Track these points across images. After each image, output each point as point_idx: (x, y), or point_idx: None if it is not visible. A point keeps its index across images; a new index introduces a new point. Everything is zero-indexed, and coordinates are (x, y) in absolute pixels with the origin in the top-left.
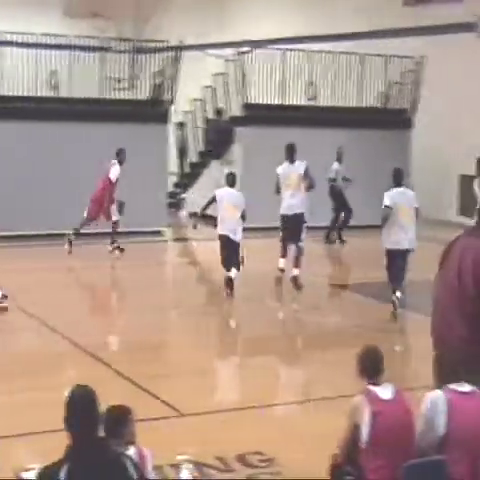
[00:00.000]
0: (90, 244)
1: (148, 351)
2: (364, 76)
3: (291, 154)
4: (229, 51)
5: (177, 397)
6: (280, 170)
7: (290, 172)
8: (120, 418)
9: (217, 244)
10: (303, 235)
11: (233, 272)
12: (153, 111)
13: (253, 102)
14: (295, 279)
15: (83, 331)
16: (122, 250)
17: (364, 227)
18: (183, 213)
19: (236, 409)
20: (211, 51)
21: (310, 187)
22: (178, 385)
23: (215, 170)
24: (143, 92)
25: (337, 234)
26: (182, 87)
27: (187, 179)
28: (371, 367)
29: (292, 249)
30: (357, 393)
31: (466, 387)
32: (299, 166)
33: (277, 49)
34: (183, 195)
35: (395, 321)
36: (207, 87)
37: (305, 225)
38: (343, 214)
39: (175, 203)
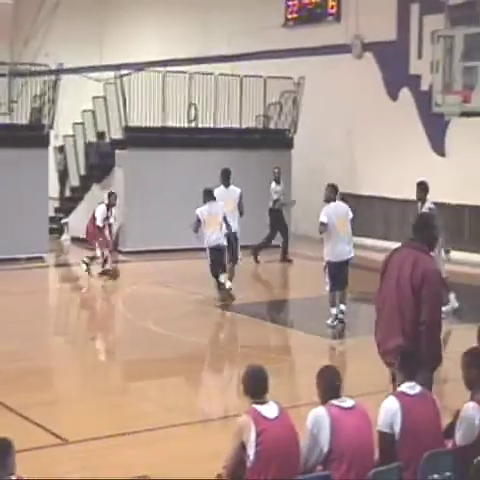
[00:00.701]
0: None
1: (29, 379)
2: (244, 97)
3: (227, 178)
4: (109, 74)
5: (60, 424)
6: (216, 192)
7: (227, 196)
8: (3, 450)
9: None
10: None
11: (222, 277)
12: (32, 135)
13: (134, 125)
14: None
15: None
16: None
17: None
18: (65, 238)
19: (121, 434)
20: (91, 74)
21: (241, 213)
22: (61, 412)
23: (96, 194)
24: (22, 116)
25: (254, 254)
26: (62, 111)
27: (68, 203)
28: (255, 386)
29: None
30: (243, 412)
31: (348, 402)
32: (234, 191)
33: (157, 71)
34: (64, 220)
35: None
36: (87, 111)
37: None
38: (268, 233)
39: (56, 228)
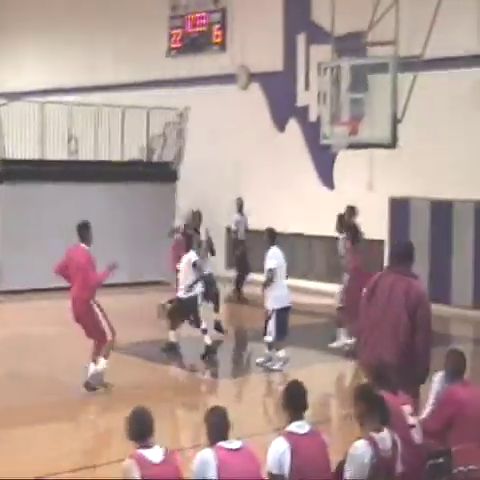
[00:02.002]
0: None
1: None
2: (127, 128)
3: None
4: None
5: None
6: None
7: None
8: None
9: None
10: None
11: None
12: None
13: (10, 157)
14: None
15: None
16: None
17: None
18: None
19: None
20: None
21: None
22: None
23: None
24: None
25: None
26: None
27: None
28: (139, 430)
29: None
30: (127, 457)
31: (235, 443)
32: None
33: (35, 102)
34: None
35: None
36: None
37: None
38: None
39: None
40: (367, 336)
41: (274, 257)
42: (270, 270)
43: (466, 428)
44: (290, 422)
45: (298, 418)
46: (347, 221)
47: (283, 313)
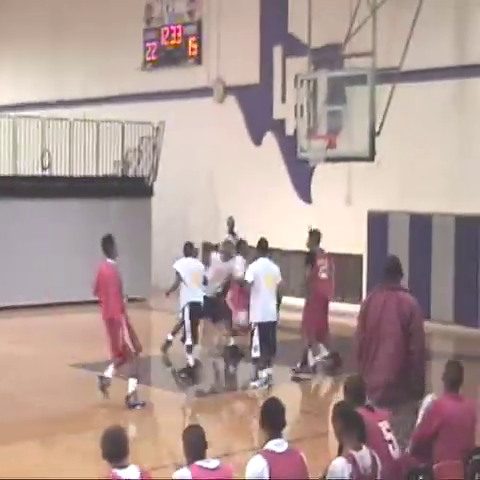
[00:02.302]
0: None
1: None
2: (101, 143)
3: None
4: None
5: None
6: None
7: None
8: None
9: None
10: None
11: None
12: None
13: None
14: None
15: None
16: None
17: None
18: None
19: None
20: None
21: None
22: None
23: None
24: None
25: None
26: None
27: None
28: (114, 450)
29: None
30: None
31: (212, 463)
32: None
33: (7, 117)
34: None
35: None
36: None
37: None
38: None
39: None
40: (365, 354)
41: (255, 269)
42: (244, 282)
43: (452, 441)
44: (268, 440)
45: (276, 436)
46: (309, 246)
47: (266, 327)
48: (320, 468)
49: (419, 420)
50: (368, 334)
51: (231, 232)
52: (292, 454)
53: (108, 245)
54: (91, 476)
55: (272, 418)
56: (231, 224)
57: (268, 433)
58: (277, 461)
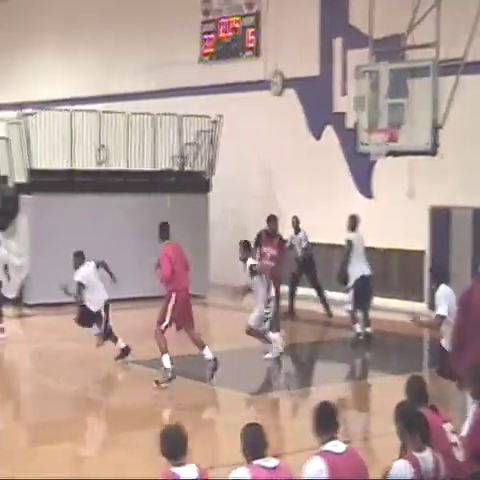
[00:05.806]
0: None
1: None
2: (158, 137)
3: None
4: (12, 114)
5: None
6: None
7: None
8: None
9: None
10: None
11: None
12: None
13: (39, 167)
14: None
15: None
16: None
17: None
18: None
19: None
20: None
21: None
22: None
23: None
24: None
25: (324, 307)
26: None
27: None
28: (172, 447)
29: None
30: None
31: (271, 462)
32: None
33: (64, 110)
34: None
35: None
36: None
37: None
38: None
39: None
40: (464, 347)
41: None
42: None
43: None
44: (323, 443)
45: (331, 439)
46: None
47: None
48: (380, 470)
49: (466, 428)
50: (475, 327)
51: (296, 230)
52: (351, 455)
53: (163, 229)
54: (156, 474)
55: (325, 421)
56: (295, 222)
57: (322, 437)
58: (336, 462)
